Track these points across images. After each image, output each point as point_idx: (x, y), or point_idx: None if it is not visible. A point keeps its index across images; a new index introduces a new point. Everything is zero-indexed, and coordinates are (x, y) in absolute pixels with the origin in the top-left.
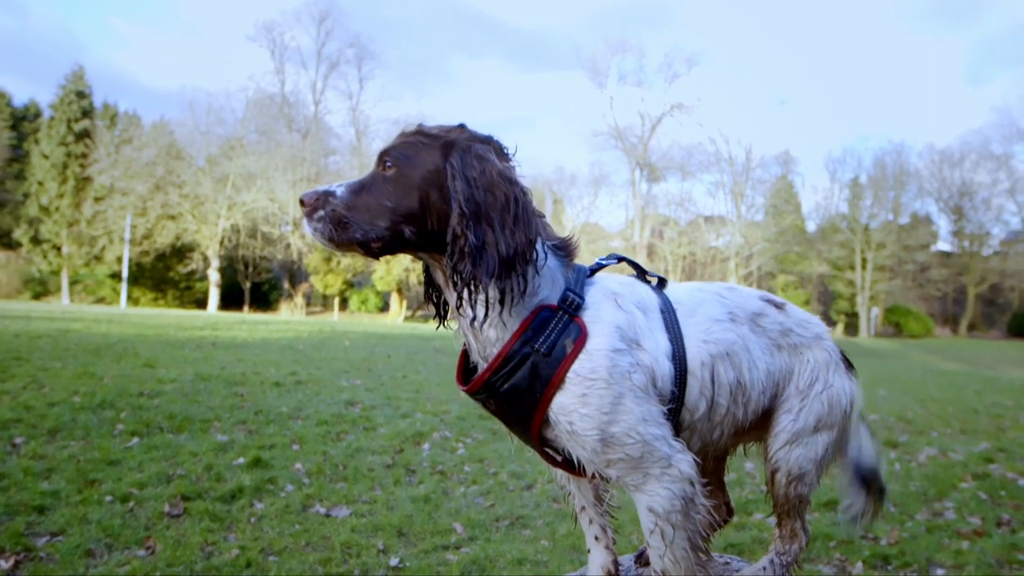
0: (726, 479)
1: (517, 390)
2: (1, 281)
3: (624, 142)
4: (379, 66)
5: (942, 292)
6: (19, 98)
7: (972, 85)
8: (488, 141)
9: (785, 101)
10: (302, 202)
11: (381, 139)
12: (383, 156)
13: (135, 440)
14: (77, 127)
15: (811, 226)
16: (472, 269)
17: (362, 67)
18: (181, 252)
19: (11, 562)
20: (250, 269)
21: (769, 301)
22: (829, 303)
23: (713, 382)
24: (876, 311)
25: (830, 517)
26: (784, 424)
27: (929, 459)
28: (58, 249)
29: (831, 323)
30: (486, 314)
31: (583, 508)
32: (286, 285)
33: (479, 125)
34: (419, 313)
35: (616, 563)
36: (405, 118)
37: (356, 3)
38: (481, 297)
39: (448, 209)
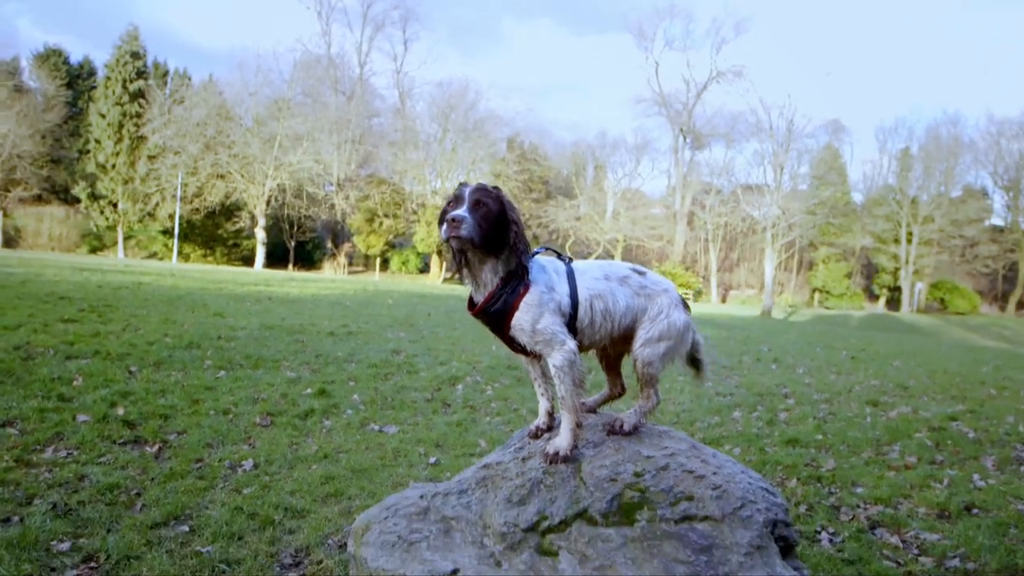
0: (621, 371)
1: (498, 311)
2: (60, 235)
3: (668, 108)
4: (424, 28)
5: (990, 268)
6: (73, 56)
7: None
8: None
9: (831, 72)
10: (456, 221)
11: (424, 101)
12: (476, 200)
13: (222, 372)
14: (132, 87)
15: (858, 198)
16: (520, 257)
17: (407, 29)
18: (230, 211)
19: (156, 448)
20: (295, 228)
21: (634, 270)
22: (872, 276)
23: (591, 308)
24: (920, 286)
25: (787, 450)
26: (640, 335)
27: (899, 415)
28: (114, 205)
29: (873, 297)
30: (495, 276)
31: (535, 379)
32: (329, 244)
33: (526, 89)
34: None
35: (552, 408)
36: (449, 81)
37: None
38: (493, 267)
39: (507, 230)
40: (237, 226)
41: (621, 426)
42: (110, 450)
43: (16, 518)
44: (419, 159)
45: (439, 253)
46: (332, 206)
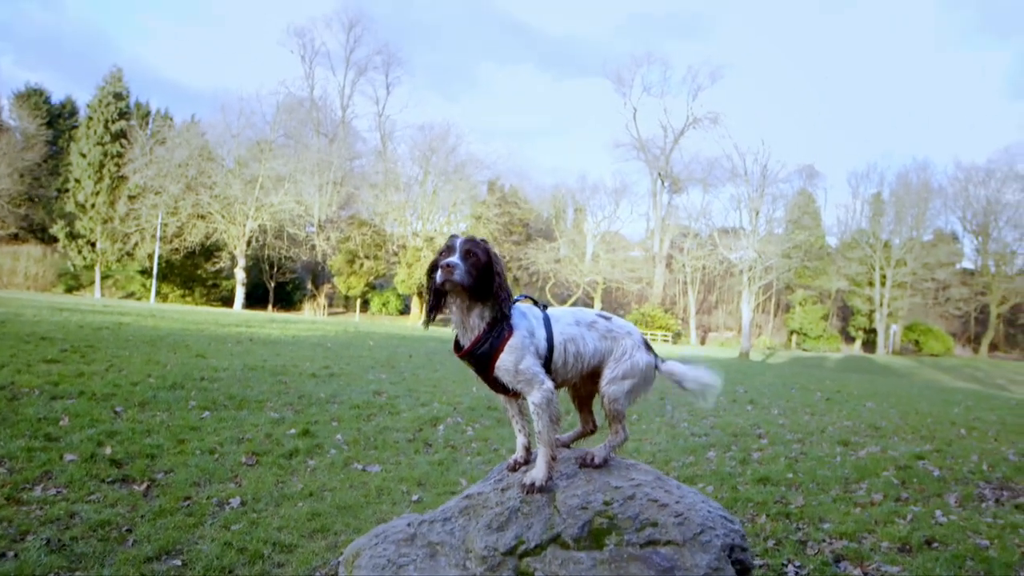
0: (593, 411)
1: (484, 354)
2: (37, 274)
3: (647, 153)
4: (406, 72)
5: (962, 311)
6: (55, 95)
7: (1014, 99)
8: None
9: (827, 77)
10: (451, 267)
11: (406, 143)
12: (467, 249)
13: (206, 413)
14: (114, 127)
15: (832, 241)
16: (502, 305)
17: (389, 73)
18: (209, 251)
19: (144, 486)
20: (275, 269)
21: (600, 315)
22: (848, 318)
23: (565, 351)
24: (895, 328)
25: (758, 488)
26: (606, 374)
27: (868, 454)
28: (92, 245)
29: (849, 339)
30: (481, 321)
31: (512, 416)
32: (309, 285)
33: (506, 132)
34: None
35: (528, 444)
36: (431, 124)
37: (387, 9)
38: (480, 312)
39: (492, 278)
40: (217, 266)
41: (592, 459)
42: (99, 488)
43: (11, 553)
44: (400, 201)
45: (420, 295)
46: (313, 247)
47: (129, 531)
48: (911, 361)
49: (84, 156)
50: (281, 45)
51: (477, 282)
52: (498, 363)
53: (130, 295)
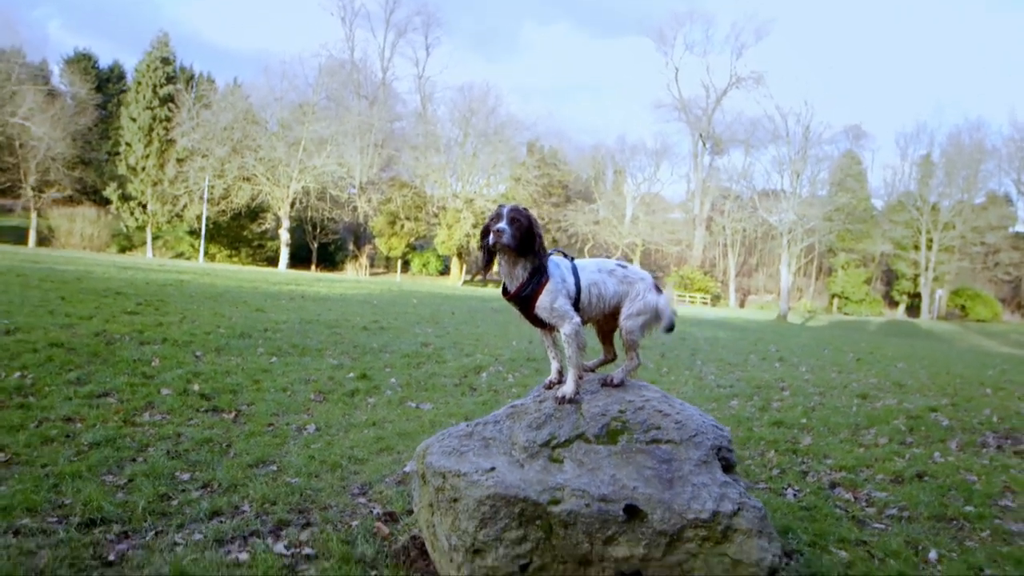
0: (614, 343)
1: (527, 296)
2: (92, 235)
3: (688, 114)
4: (446, 33)
5: (1012, 276)
6: (102, 60)
7: None
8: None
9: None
10: (500, 232)
11: (446, 105)
12: (512, 217)
13: (274, 359)
14: (162, 92)
15: (878, 204)
16: (540, 259)
17: (429, 34)
18: (255, 212)
19: (232, 415)
20: (318, 230)
21: (619, 264)
22: (892, 283)
23: (590, 293)
24: (941, 293)
25: (771, 430)
26: (624, 311)
27: (883, 406)
28: (144, 206)
29: (893, 304)
30: (524, 272)
31: (548, 347)
32: (351, 246)
33: (546, 92)
34: (478, 277)
35: (561, 368)
36: (470, 85)
37: None
38: (523, 265)
39: (533, 239)
40: (262, 227)
41: (612, 380)
42: (195, 415)
43: (140, 459)
44: (440, 163)
45: (459, 256)
46: (355, 208)
47: (228, 446)
48: (956, 326)
49: (134, 120)
50: (321, 7)
51: (520, 243)
52: (538, 303)
53: (179, 255)
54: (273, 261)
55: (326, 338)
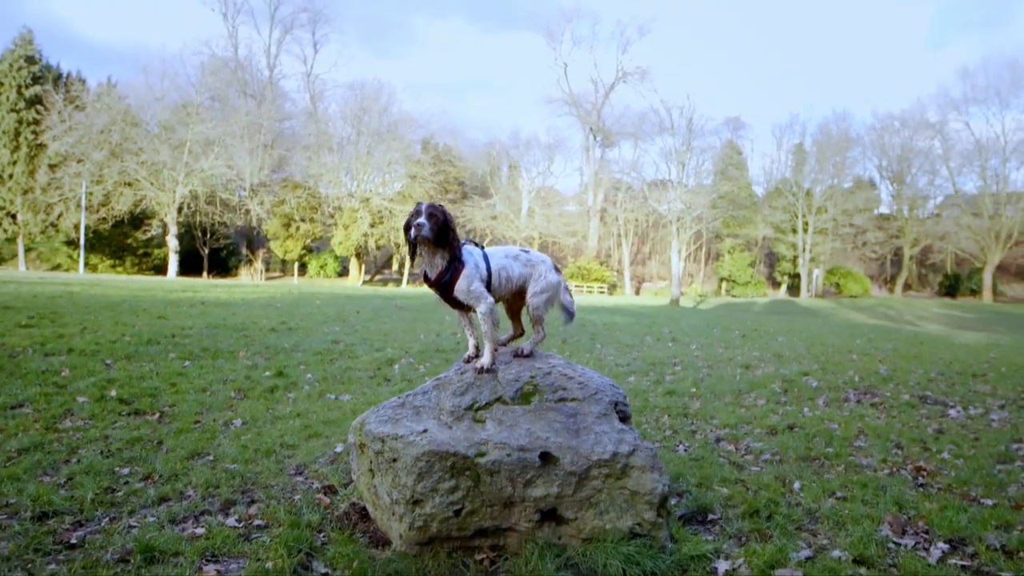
0: (522, 319)
1: (446, 282)
2: None
3: (578, 108)
4: (334, 30)
5: (878, 254)
6: None
7: (933, 50)
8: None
9: None
10: (419, 226)
11: (337, 103)
12: (430, 212)
13: (187, 363)
14: (28, 93)
15: (759, 191)
16: (455, 249)
17: (316, 31)
18: (139, 219)
19: (156, 416)
20: (208, 235)
21: (523, 250)
22: (774, 265)
23: (499, 276)
24: (818, 272)
25: (665, 399)
26: (530, 290)
27: (763, 374)
28: (13, 217)
29: (776, 284)
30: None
31: (465, 325)
32: (244, 251)
33: (439, 89)
34: (377, 278)
35: (477, 343)
36: (361, 83)
37: None
38: (441, 255)
39: (449, 232)
40: (148, 235)
41: (522, 351)
42: (119, 419)
43: (73, 459)
44: (334, 162)
45: (358, 256)
46: (247, 212)
47: (159, 443)
48: (831, 303)
49: None
50: (201, 1)
51: (438, 235)
52: (456, 287)
53: (56, 268)
54: (161, 270)
55: (236, 341)
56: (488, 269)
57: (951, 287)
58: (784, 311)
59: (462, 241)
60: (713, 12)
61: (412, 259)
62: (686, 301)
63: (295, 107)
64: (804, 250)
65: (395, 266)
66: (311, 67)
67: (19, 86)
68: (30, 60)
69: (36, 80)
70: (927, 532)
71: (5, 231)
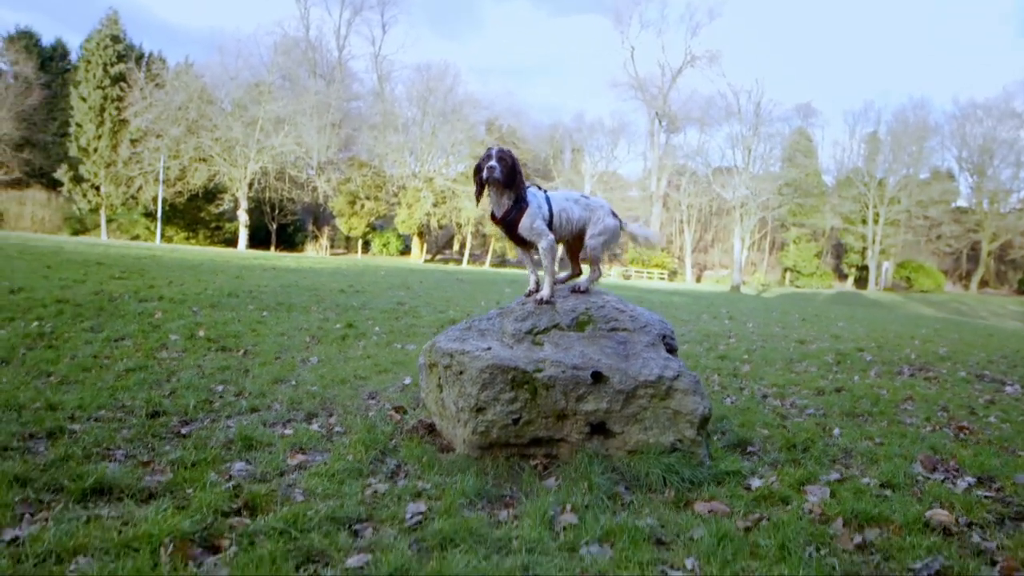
0: (580, 260)
1: (511, 220)
2: (43, 218)
3: (644, 92)
4: (402, 11)
5: (954, 248)
6: (44, 38)
7: (1018, 38)
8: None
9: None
10: (491, 168)
11: (404, 84)
12: (500, 156)
13: (265, 313)
14: (113, 71)
15: (828, 180)
16: (521, 190)
17: (385, 12)
18: (212, 193)
19: (241, 352)
20: (276, 211)
21: (583, 196)
22: (841, 256)
23: (560, 217)
24: (887, 265)
25: (716, 362)
26: (589, 232)
27: (817, 347)
28: (97, 188)
29: (843, 276)
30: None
31: (528, 263)
32: (310, 227)
33: (504, 71)
34: (438, 257)
35: (538, 280)
36: (428, 64)
37: None
38: (508, 195)
39: (516, 174)
40: (220, 209)
41: (579, 287)
42: (207, 353)
43: (173, 379)
44: (399, 142)
45: (420, 235)
46: (314, 189)
47: (247, 372)
48: (900, 296)
49: (85, 100)
50: None
51: (506, 177)
52: (520, 224)
53: (135, 238)
54: (231, 243)
55: (308, 298)
56: (550, 210)
57: None
58: (849, 302)
59: (527, 184)
60: None
61: (479, 197)
62: (748, 289)
63: (363, 87)
64: (874, 242)
65: (456, 246)
66: (379, 48)
67: (105, 64)
68: (115, 39)
69: (120, 59)
70: (957, 470)
71: (90, 202)
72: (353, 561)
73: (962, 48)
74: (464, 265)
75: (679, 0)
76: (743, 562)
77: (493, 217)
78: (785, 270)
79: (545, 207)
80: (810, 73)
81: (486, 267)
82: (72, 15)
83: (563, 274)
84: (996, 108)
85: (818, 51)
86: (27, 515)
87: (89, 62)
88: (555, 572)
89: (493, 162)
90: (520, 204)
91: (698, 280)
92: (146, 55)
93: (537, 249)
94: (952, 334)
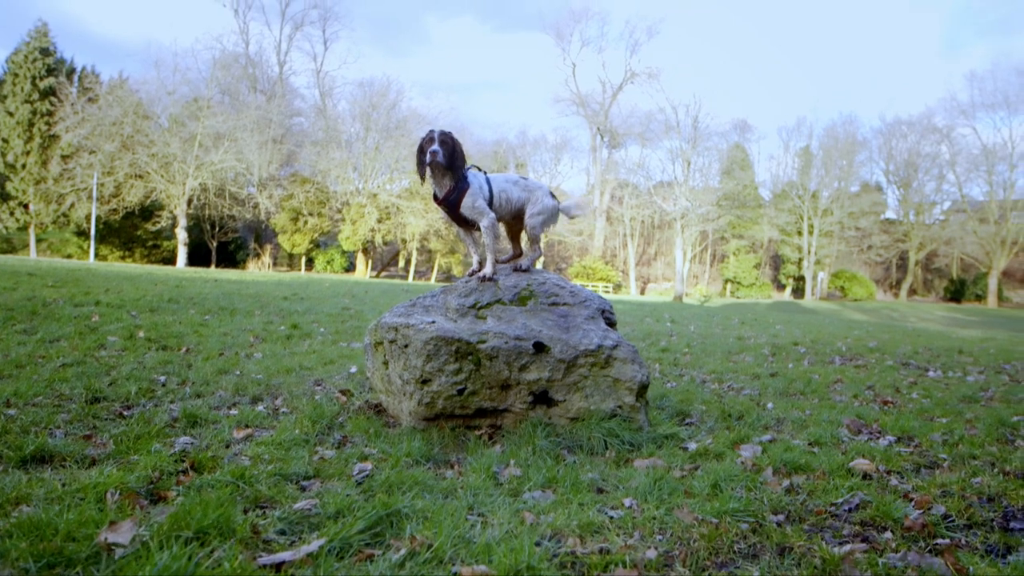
0: (521, 242)
1: (453, 200)
2: None
3: (586, 108)
4: (344, 27)
5: (884, 258)
6: None
7: (947, 55)
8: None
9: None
10: (434, 152)
11: (346, 100)
12: (443, 140)
13: (208, 316)
14: (42, 85)
15: (765, 193)
16: (462, 172)
17: (326, 28)
18: (149, 211)
19: (183, 351)
20: (217, 228)
21: (522, 178)
22: (779, 267)
23: (500, 197)
24: (823, 275)
25: (657, 354)
26: (528, 211)
27: (755, 343)
28: (25, 207)
29: (781, 287)
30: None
31: (469, 244)
32: (252, 244)
33: (449, 87)
34: (384, 273)
35: (481, 259)
36: (371, 80)
37: None
38: (450, 177)
39: (456, 156)
40: (157, 226)
41: (521, 266)
42: (147, 352)
43: (113, 372)
44: (342, 158)
45: (365, 251)
46: (255, 205)
47: (189, 366)
48: (835, 304)
49: (12, 115)
50: None
51: (448, 159)
52: (462, 204)
53: (67, 257)
54: (170, 261)
55: (251, 304)
56: (490, 191)
57: (956, 292)
58: (788, 310)
59: (467, 166)
60: (722, 14)
61: (423, 178)
62: (690, 300)
63: (304, 103)
64: (809, 253)
65: (401, 263)
66: (321, 64)
67: (34, 77)
68: (45, 52)
69: (50, 72)
70: (880, 432)
71: (17, 220)
72: (300, 505)
73: (888, 66)
74: (410, 281)
75: (619, 18)
76: (678, 499)
77: (435, 198)
78: (726, 281)
79: (486, 188)
80: (745, 89)
81: (432, 282)
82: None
83: (504, 256)
84: (919, 124)
85: (753, 68)
86: None
87: (16, 75)
88: (498, 509)
89: (436, 146)
90: (461, 185)
91: (642, 292)
92: (78, 69)
93: (479, 228)
94: (883, 335)
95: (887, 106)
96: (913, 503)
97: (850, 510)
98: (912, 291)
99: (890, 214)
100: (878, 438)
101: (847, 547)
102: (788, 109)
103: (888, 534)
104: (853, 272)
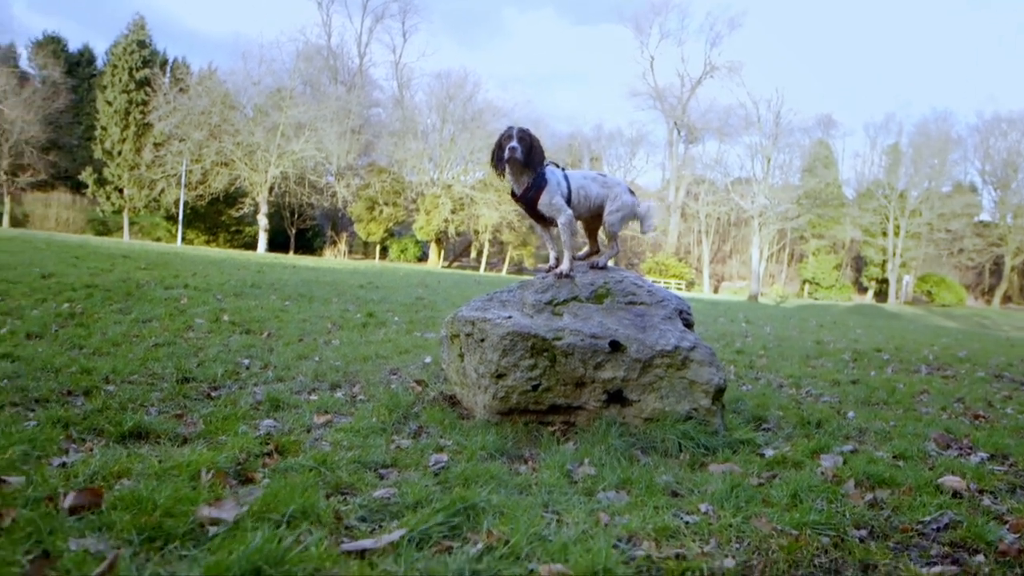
0: (598, 239)
1: (531, 197)
2: (67, 219)
3: (663, 102)
4: (423, 20)
5: (976, 262)
6: (71, 43)
7: None
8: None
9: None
10: (512, 149)
11: (423, 92)
12: (520, 136)
13: (287, 302)
14: (138, 76)
15: (849, 192)
16: (540, 169)
17: (406, 21)
18: (233, 197)
19: (265, 335)
20: (296, 216)
21: (600, 175)
22: (861, 269)
23: (578, 194)
24: (908, 278)
25: (733, 356)
26: (607, 208)
27: (834, 347)
28: (120, 191)
29: (862, 289)
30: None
31: (547, 240)
32: (329, 232)
33: (525, 80)
34: (456, 264)
35: (558, 255)
36: (448, 72)
37: None
38: (528, 174)
39: (534, 153)
40: (240, 213)
41: (598, 263)
42: (232, 335)
43: (200, 353)
44: (418, 149)
45: (438, 241)
46: (333, 194)
47: (271, 350)
48: (920, 310)
49: (110, 104)
50: None
51: (526, 156)
52: (540, 201)
53: (156, 240)
54: (251, 246)
55: (328, 291)
56: (568, 187)
57: None
58: (869, 314)
59: (545, 163)
60: (807, 5)
61: (500, 173)
62: (766, 300)
63: (383, 94)
64: (894, 255)
65: (473, 253)
66: (399, 56)
67: (130, 69)
68: (141, 44)
69: (146, 63)
70: (971, 448)
71: (113, 204)
72: (380, 493)
73: (988, 60)
74: (481, 272)
75: (699, 10)
76: (755, 507)
77: (513, 195)
78: (804, 282)
79: (564, 184)
80: (831, 84)
81: (503, 274)
82: (99, 21)
83: (582, 252)
84: (1021, 121)
85: (839, 62)
86: (72, 448)
87: (115, 66)
88: (573, 508)
89: (514, 143)
90: (539, 182)
91: (716, 291)
92: (171, 60)
93: (556, 225)
94: (974, 343)
95: (986, 102)
96: (1008, 526)
97: (938, 529)
98: (1007, 298)
99: (985, 216)
100: (969, 454)
101: (936, 568)
102: (876, 105)
103: (980, 557)
104: (942, 276)
